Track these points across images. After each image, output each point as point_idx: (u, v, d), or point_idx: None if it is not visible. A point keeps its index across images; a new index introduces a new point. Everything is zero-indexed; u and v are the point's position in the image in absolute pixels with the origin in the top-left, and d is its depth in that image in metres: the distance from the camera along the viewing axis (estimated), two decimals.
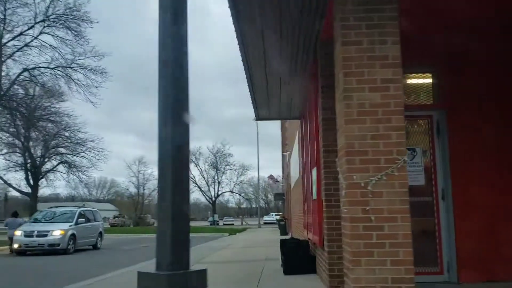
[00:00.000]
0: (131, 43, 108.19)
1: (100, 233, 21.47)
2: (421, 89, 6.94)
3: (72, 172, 37.58)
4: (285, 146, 30.87)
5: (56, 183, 57.94)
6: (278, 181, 53.37)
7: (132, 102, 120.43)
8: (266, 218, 70.06)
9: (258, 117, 12.37)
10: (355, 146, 4.45)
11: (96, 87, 31.16)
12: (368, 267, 4.28)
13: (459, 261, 6.40)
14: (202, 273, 3.19)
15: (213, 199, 75.40)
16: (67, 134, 35.66)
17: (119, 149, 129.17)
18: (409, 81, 6.94)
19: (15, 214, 20.04)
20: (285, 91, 9.76)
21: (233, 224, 71.00)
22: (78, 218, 19.24)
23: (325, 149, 6.62)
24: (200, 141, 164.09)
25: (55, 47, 29.71)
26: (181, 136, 3.07)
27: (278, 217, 42.63)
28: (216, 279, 8.37)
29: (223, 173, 75.32)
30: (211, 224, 68.28)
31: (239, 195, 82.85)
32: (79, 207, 21.41)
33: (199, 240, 28.09)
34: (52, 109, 34.54)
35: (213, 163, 74.51)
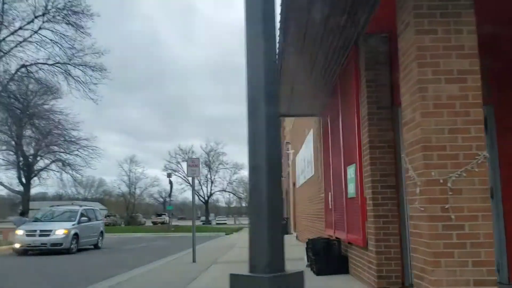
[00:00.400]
0: (115, 39, 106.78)
1: (101, 232, 21.05)
2: None
3: (65, 171, 36.95)
4: (286, 145, 30.66)
5: (49, 182, 56.86)
6: None
7: (116, 99, 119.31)
8: None
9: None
10: (432, 140, 4.21)
11: (95, 84, 30.57)
12: (449, 269, 4.05)
13: (509, 261, 6.20)
14: (299, 275, 2.93)
15: (206, 198, 74.90)
16: (60, 132, 34.97)
17: (104, 147, 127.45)
18: None
19: (22, 214, 19.56)
20: (312, 86, 9.53)
21: (226, 224, 70.65)
22: (80, 217, 18.80)
23: (371, 145, 6.38)
24: (191, 140, 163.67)
25: (56, 42, 29.05)
26: (273, 125, 2.77)
27: None
28: None
29: (216, 172, 74.92)
30: (203, 224, 67.94)
31: (233, 194, 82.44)
32: (81, 206, 20.92)
33: (199, 239, 27.79)
34: (46, 106, 33.90)
35: (206, 162, 73.92)
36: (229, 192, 79.97)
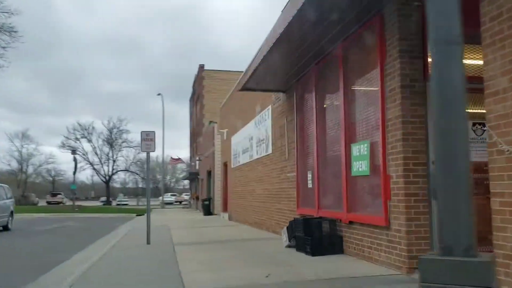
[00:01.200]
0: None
1: (11, 212, 18.73)
2: None
3: None
4: (209, 124, 29.84)
5: None
6: (182, 161, 51.98)
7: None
8: (165, 198, 68.00)
9: (244, 87, 11.41)
10: None
11: (3, 47, 26.96)
12: None
13: None
14: (489, 261, 2.61)
15: (107, 177, 71.02)
16: None
17: None
18: (472, 52, 6.63)
19: None
20: (297, 58, 9.01)
21: (127, 205, 67.77)
22: None
23: (404, 120, 6.05)
24: (87, 116, 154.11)
25: None
26: None
27: (191, 198, 41.53)
28: (236, 261, 7.48)
29: (119, 150, 71.20)
30: (104, 204, 64.54)
31: (137, 174, 79.29)
32: None
33: (115, 220, 26.14)
34: None
35: (108, 140, 70.00)
36: (132, 172, 76.85)
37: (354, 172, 7.38)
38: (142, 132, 11.33)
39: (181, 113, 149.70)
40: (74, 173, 40.05)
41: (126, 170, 74.62)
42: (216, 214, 26.38)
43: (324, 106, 9.12)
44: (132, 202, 71.41)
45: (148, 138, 11.24)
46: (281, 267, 6.85)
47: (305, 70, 9.72)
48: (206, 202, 27.51)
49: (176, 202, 71.28)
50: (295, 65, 9.63)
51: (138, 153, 71.98)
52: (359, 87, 7.56)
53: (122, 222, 24.06)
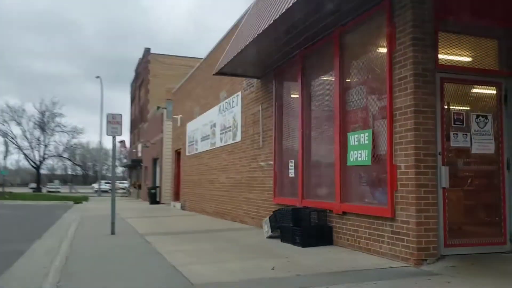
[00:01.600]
0: None
1: None
2: (491, 54, 6.69)
3: None
4: (157, 109, 28.80)
5: None
6: (126, 147, 50.20)
7: None
8: (96, 186, 65.27)
9: (220, 72, 10.92)
10: None
11: None
12: None
13: None
14: None
15: (38, 163, 66.96)
16: None
17: None
18: (478, 45, 6.65)
19: None
20: (284, 43, 8.69)
21: (59, 192, 64.45)
22: None
23: (416, 109, 5.92)
24: (19, 100, 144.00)
25: None
26: None
27: (135, 185, 40.07)
28: (225, 253, 7.08)
29: (51, 135, 67.20)
30: (34, 191, 60.93)
31: (70, 160, 75.38)
32: None
33: (52, 209, 24.55)
34: None
35: (40, 124, 65.88)
36: (65, 158, 73.04)
37: (350, 162, 7.20)
38: (108, 114, 10.54)
39: (119, 98, 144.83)
40: (5, 157, 37.31)
41: (59, 156, 70.74)
42: (164, 203, 25.59)
43: (312, 93, 8.88)
44: (63, 189, 68.09)
45: (114, 121, 10.47)
46: (277, 259, 6.54)
47: (289, 55, 9.41)
48: (153, 191, 26.58)
49: (110, 190, 68.70)
50: (280, 51, 9.30)
51: (72, 137, 68.48)
52: (358, 75, 7.37)
53: (63, 210, 22.70)
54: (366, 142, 6.82)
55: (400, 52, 6.19)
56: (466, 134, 6.34)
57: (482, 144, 6.42)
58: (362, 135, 6.93)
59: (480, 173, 6.57)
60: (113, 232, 10.16)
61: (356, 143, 7.05)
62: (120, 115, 10.69)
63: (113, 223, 10.28)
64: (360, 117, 7.18)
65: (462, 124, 6.36)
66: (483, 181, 6.58)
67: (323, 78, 8.51)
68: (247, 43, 8.70)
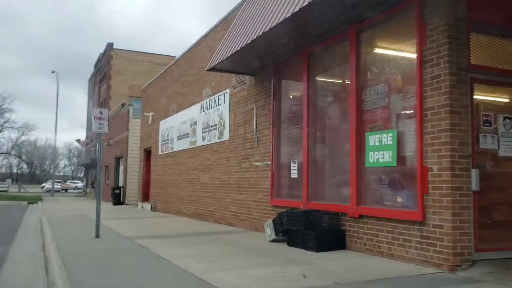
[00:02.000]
0: None
1: None
2: None
3: None
4: (122, 107, 27.68)
5: None
6: (88, 145, 48.18)
7: None
8: (46, 185, 62.46)
9: (212, 68, 10.40)
10: None
11: None
12: None
13: None
14: None
15: None
16: None
17: None
18: (509, 47, 6.53)
19: None
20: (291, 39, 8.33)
21: (7, 191, 61.10)
22: None
23: (451, 110, 5.70)
24: None
25: None
26: None
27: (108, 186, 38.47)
28: (238, 258, 6.60)
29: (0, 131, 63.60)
30: None
31: (19, 157, 71.72)
32: None
33: (7, 209, 23.00)
34: None
35: None
36: (14, 155, 69.43)
37: (370, 163, 6.92)
38: (94, 109, 9.81)
39: (72, 94, 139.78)
40: None
41: (7, 153, 67.16)
42: (128, 204, 24.60)
43: (318, 91, 8.55)
44: (12, 188, 64.68)
45: (101, 117, 9.74)
46: (299, 265, 6.15)
47: (293, 52, 9.05)
48: (117, 191, 25.50)
49: (62, 189, 66.01)
50: (283, 47, 8.92)
51: (22, 134, 65.24)
52: (378, 73, 7.10)
53: (20, 211, 21.41)
54: (390, 142, 6.55)
55: (433, 50, 5.96)
56: (494, 136, 6.21)
57: (509, 147, 6.31)
58: (384, 135, 6.66)
59: (508, 176, 6.46)
60: (97, 236, 9.45)
61: (377, 143, 6.78)
62: (107, 110, 9.99)
63: (97, 226, 9.57)
64: (381, 116, 6.91)
65: (490, 126, 6.22)
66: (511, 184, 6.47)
67: (335, 75, 8.21)
68: (249, 41, 8.26)
